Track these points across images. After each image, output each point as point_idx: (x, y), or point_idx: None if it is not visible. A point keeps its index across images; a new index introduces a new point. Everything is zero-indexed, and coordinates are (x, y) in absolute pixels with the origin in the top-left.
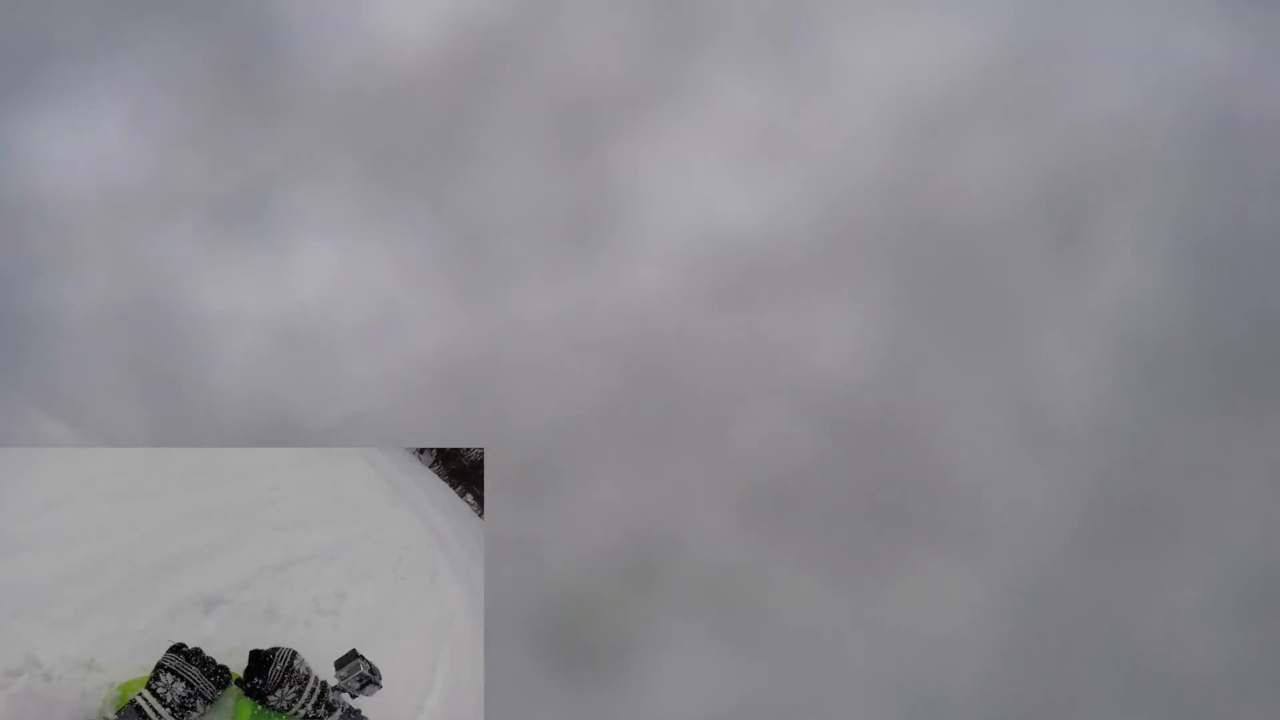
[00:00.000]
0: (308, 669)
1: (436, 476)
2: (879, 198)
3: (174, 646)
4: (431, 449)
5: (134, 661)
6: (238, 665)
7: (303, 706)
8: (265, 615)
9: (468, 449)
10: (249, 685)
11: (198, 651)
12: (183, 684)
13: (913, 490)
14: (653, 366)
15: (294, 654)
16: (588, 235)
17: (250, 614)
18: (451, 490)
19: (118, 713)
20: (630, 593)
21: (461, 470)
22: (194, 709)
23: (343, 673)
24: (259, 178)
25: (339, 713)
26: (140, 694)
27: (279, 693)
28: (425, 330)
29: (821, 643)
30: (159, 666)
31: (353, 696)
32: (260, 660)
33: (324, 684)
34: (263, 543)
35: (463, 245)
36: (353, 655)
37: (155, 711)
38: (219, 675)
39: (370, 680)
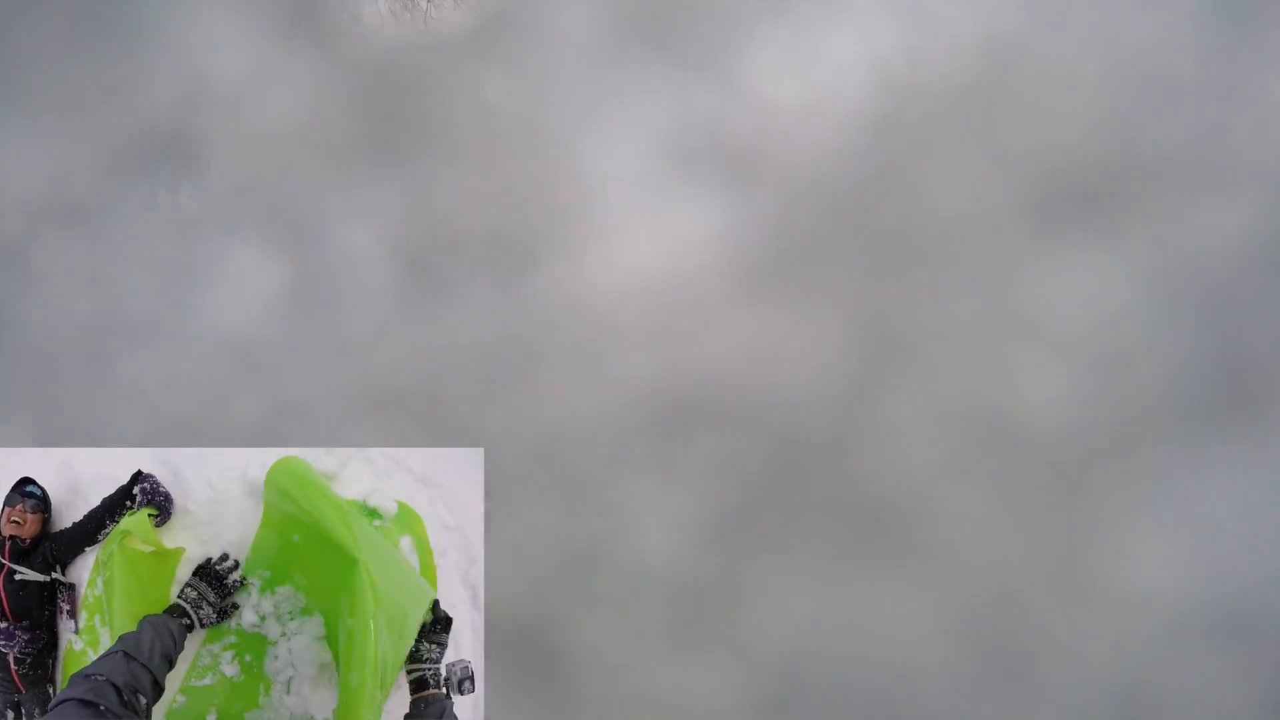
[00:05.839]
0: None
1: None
2: (839, 210)
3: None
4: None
5: None
6: None
7: None
8: None
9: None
10: None
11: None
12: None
13: (871, 509)
14: (611, 381)
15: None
16: (540, 248)
17: None
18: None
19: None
20: (584, 612)
21: None
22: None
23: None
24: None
25: None
26: None
27: None
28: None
29: (780, 661)
30: None
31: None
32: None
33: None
34: None
35: (407, 261)
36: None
37: None
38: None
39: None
